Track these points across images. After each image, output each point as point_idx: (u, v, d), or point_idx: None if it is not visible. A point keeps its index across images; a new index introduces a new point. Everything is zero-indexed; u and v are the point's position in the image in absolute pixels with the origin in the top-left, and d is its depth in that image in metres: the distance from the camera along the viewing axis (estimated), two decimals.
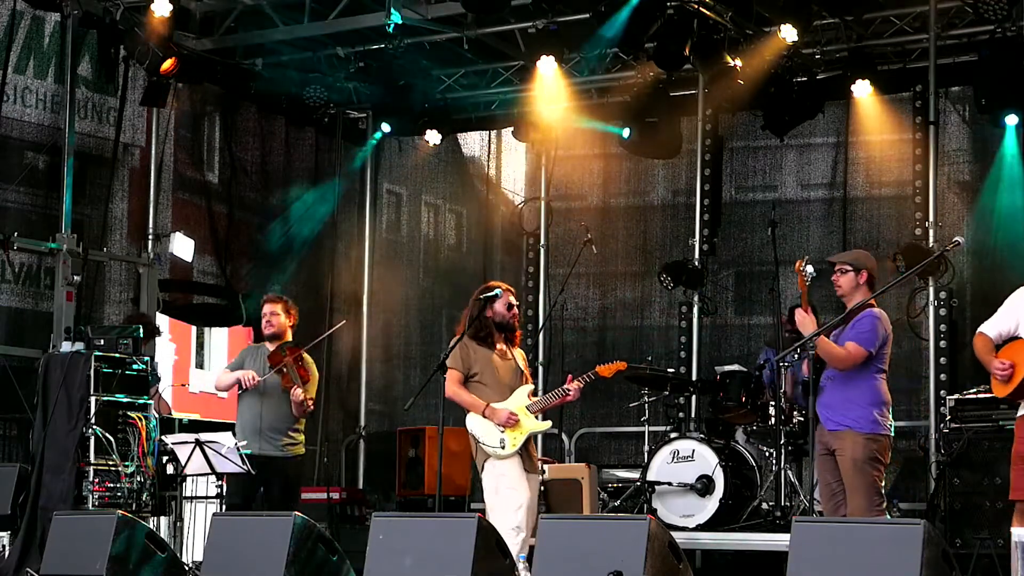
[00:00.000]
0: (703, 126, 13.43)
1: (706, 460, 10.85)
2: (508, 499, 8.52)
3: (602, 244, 13.46)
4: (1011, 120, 11.97)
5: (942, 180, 12.48)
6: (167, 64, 12.08)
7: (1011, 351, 7.52)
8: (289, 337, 9.80)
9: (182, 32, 12.66)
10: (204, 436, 9.50)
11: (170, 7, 11.71)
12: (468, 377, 8.72)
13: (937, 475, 10.91)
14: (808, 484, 9.81)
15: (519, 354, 8.94)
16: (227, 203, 13.93)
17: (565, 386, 8.77)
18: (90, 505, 9.79)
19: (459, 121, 14.45)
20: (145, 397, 10.26)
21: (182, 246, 13.07)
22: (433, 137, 14.04)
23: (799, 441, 10.53)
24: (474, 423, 8.67)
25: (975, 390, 10.46)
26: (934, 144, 12.37)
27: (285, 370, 9.55)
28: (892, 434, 8.28)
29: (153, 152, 13.03)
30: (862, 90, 12.34)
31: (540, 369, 13.62)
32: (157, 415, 10.44)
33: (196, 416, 11.47)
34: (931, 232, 12.18)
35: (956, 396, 10.72)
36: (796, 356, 9.21)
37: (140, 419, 10.07)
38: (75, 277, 11.82)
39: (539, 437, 8.89)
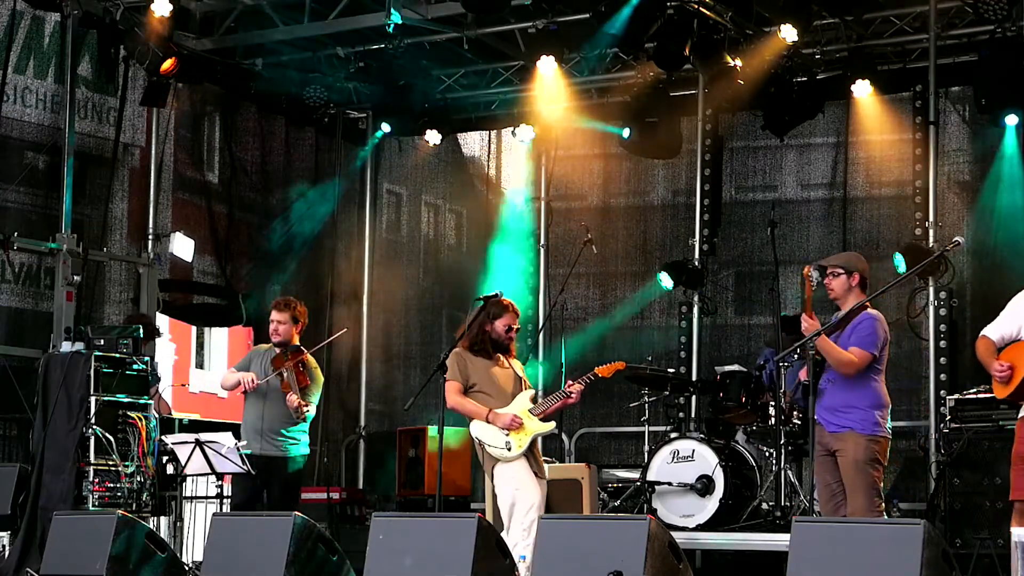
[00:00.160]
0: (703, 126, 13.43)
1: (706, 460, 10.85)
2: (519, 501, 8.52)
3: (602, 244, 13.46)
4: (1011, 120, 11.96)
5: (942, 180, 12.48)
6: (167, 64, 12.08)
7: (1011, 353, 7.52)
8: (296, 341, 9.80)
9: (182, 32, 12.66)
10: (204, 436, 9.51)
11: (170, 7, 11.71)
12: (467, 387, 8.72)
13: (937, 475, 10.90)
14: (808, 484, 9.80)
15: (516, 363, 8.95)
16: (227, 203, 13.93)
17: (566, 388, 8.78)
18: (90, 505, 9.79)
19: (459, 121, 14.46)
20: (145, 397, 10.26)
21: (182, 246, 13.07)
22: (433, 137, 14.05)
23: (799, 441, 10.52)
24: (479, 429, 8.66)
25: (975, 390, 10.46)
26: (934, 144, 12.37)
27: (285, 375, 9.55)
28: (890, 436, 8.29)
29: (153, 152, 13.03)
30: (862, 90, 12.34)
31: (540, 369, 13.61)
32: (157, 415, 10.44)
33: (196, 416, 11.47)
34: (931, 232, 12.17)
35: (956, 396, 10.72)
36: (796, 356, 9.22)
37: (140, 419, 10.07)
38: (75, 277, 11.82)
39: (540, 440, 8.89)
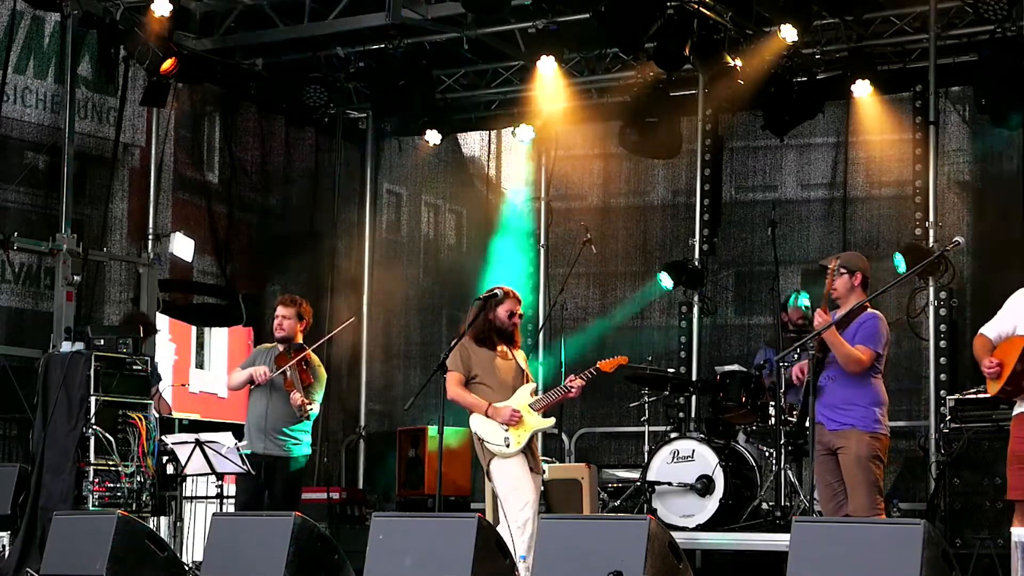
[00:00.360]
0: (703, 126, 13.43)
1: (706, 460, 10.85)
2: (515, 497, 8.51)
3: (602, 244, 13.46)
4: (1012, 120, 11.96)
5: (942, 180, 12.47)
6: (167, 64, 12.07)
7: (1002, 349, 7.52)
8: (300, 339, 9.80)
9: (182, 32, 12.65)
10: (204, 436, 9.51)
11: (170, 7, 11.70)
12: (469, 379, 8.72)
13: (937, 475, 10.90)
14: (808, 484, 9.80)
15: (520, 355, 8.94)
16: (227, 203, 13.93)
17: (567, 383, 8.78)
18: (90, 505, 9.80)
19: (459, 121, 14.47)
20: (145, 397, 10.27)
21: (182, 246, 13.07)
22: (433, 137, 14.05)
23: (799, 441, 10.52)
24: (478, 423, 8.66)
25: (975, 390, 10.45)
26: (934, 144, 12.37)
27: (288, 373, 9.55)
28: (889, 434, 8.30)
29: (153, 152, 13.03)
30: (862, 90, 12.33)
31: (540, 369, 13.62)
32: (157, 415, 10.44)
33: (196, 416, 11.49)
34: (931, 232, 12.17)
35: (956, 396, 10.71)
36: (796, 356, 9.22)
37: (140, 419, 10.08)
38: (75, 277, 11.81)
39: (539, 436, 8.91)
